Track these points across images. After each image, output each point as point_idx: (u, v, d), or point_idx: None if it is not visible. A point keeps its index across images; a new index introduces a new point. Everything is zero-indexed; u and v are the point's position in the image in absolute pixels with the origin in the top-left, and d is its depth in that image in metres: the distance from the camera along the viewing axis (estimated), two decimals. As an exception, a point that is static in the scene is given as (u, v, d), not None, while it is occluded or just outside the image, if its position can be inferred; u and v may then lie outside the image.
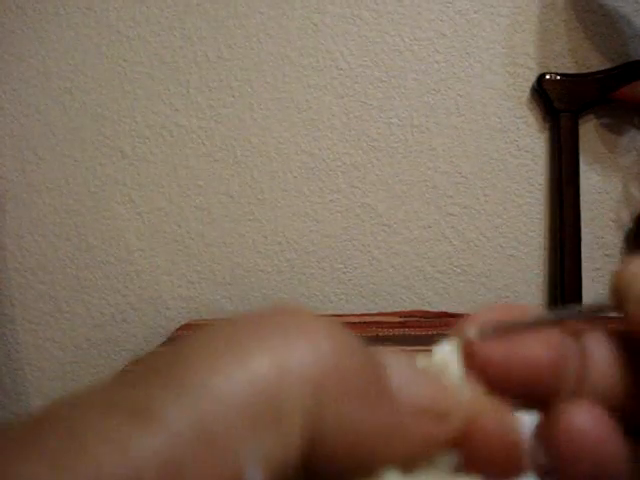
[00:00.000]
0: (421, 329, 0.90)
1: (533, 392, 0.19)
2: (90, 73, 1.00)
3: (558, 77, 0.97)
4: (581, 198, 0.98)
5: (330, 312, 1.00)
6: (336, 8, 0.99)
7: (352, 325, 0.87)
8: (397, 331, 0.89)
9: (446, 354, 0.19)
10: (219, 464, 0.14)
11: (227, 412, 0.15)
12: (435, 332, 0.91)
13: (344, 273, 1.03)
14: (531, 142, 1.01)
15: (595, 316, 0.19)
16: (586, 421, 0.18)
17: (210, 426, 0.14)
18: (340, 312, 1.01)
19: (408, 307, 1.02)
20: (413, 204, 1.02)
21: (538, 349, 0.18)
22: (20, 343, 1.05)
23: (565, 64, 0.99)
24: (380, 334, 0.86)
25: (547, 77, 0.97)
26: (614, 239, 1.02)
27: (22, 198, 1.02)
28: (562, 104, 0.97)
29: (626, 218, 1.01)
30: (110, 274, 1.04)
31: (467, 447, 0.18)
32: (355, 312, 1.00)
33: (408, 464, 0.17)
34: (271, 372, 0.15)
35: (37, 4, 0.99)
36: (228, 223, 1.02)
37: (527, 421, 0.19)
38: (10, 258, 1.03)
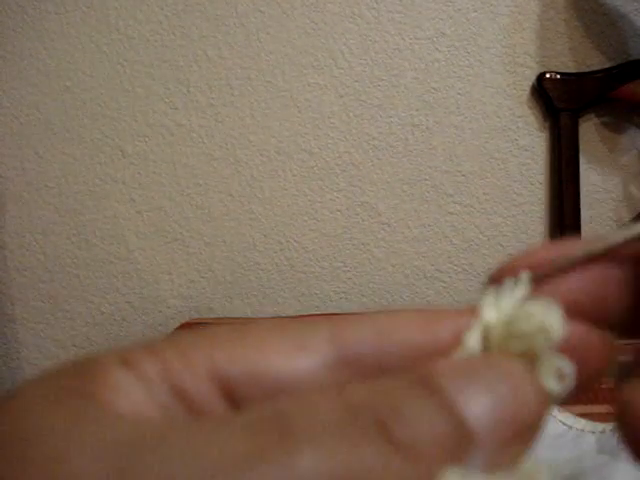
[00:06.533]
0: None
1: None
2: (90, 72, 1.00)
3: (558, 76, 0.97)
4: (581, 197, 0.98)
5: (330, 311, 1.00)
6: (336, 7, 0.99)
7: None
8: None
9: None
10: None
11: None
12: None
13: (344, 272, 1.03)
14: (531, 141, 1.01)
15: None
16: None
17: None
18: (340, 311, 1.01)
19: (408, 306, 1.02)
20: (413, 203, 1.02)
21: None
22: (20, 342, 1.05)
23: (565, 63, 0.99)
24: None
25: (547, 76, 0.97)
26: (614, 238, 1.02)
27: (22, 197, 1.02)
28: (562, 103, 0.97)
29: (626, 217, 1.01)
30: (110, 273, 1.04)
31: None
32: (355, 311, 1.00)
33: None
34: None
35: (37, 3, 0.99)
36: (228, 222, 1.02)
37: None
38: (10, 257, 1.03)
